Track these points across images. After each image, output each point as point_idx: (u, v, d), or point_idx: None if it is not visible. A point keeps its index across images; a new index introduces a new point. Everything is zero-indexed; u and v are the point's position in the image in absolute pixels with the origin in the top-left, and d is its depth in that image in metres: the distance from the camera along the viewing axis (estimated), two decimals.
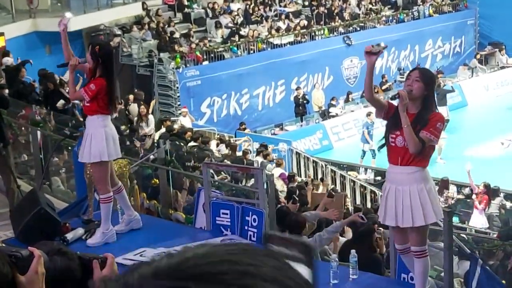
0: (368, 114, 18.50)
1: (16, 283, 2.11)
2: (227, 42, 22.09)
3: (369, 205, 13.86)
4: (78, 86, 7.67)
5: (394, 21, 26.20)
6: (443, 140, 16.97)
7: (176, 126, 17.09)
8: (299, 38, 23.31)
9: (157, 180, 9.65)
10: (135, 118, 17.10)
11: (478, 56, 26.92)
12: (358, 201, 14.80)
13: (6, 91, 12.91)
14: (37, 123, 11.99)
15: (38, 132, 10.93)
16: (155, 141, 14.71)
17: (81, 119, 13.38)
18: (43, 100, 14.50)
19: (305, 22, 23.90)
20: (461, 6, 28.26)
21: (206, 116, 20.97)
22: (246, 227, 6.94)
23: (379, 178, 16.22)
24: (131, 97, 18.12)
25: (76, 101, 13.12)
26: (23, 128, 12.18)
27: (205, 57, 21.12)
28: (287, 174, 14.78)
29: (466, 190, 14.84)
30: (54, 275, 2.33)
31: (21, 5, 19.77)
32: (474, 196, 13.67)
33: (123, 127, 15.20)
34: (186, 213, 9.12)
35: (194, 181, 10.46)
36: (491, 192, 13.61)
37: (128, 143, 13.98)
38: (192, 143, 15.63)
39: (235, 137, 18.52)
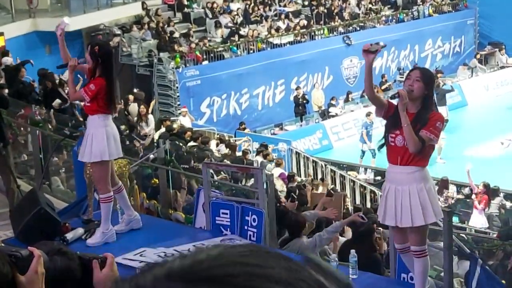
0: (368, 114, 18.51)
1: (16, 283, 2.11)
2: (226, 42, 22.10)
3: (368, 205, 13.86)
4: (78, 87, 7.68)
5: (394, 21, 26.19)
6: (442, 140, 16.98)
7: (175, 126, 17.09)
8: (298, 38, 23.31)
9: (157, 180, 9.65)
10: (135, 118, 17.10)
11: (478, 56, 26.91)
12: (358, 201, 14.80)
13: (6, 91, 12.91)
14: (37, 123, 11.99)
15: (38, 132, 10.93)
16: (155, 141, 14.71)
17: (81, 119, 13.39)
18: (42, 100, 14.51)
19: (305, 22, 23.90)
20: (460, 5, 28.25)
21: (206, 116, 20.97)
22: (245, 227, 6.94)
23: (379, 178, 16.23)
24: (131, 97, 18.12)
25: (76, 101, 13.12)
26: (22, 128, 12.19)
27: (204, 57, 21.12)
28: (286, 174, 14.78)
29: (466, 190, 14.84)
30: (54, 275, 2.33)
31: (21, 4, 19.77)
32: (473, 196, 13.68)
33: (123, 127, 15.19)
34: (185, 213, 9.13)
35: (192, 181, 10.45)
36: (490, 192, 13.62)
37: (127, 142, 13.98)
38: (191, 143, 15.63)
39: (235, 137, 18.52)
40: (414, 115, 5.30)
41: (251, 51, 22.12)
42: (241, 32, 22.51)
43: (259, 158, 15.70)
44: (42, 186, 9.51)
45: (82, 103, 9.13)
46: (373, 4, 26.78)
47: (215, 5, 23.45)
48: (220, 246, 0.93)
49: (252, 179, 11.68)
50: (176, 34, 21.49)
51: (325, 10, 24.98)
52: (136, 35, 21.17)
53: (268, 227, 6.82)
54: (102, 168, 6.56)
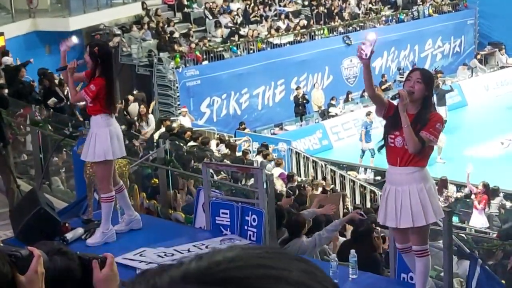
0: (368, 114, 18.51)
1: (16, 283, 2.11)
2: (226, 42, 22.10)
3: (368, 204, 13.87)
4: (79, 88, 7.69)
5: (394, 21, 26.20)
6: (443, 140, 16.98)
7: (175, 126, 17.09)
8: (298, 38, 23.32)
9: (157, 180, 9.65)
10: (135, 118, 17.10)
11: (478, 56, 26.91)
12: (357, 201, 14.81)
13: (6, 91, 12.91)
14: (37, 123, 11.98)
15: (38, 132, 10.93)
16: (155, 140, 14.70)
17: (81, 119, 13.39)
18: (42, 100, 14.51)
19: (305, 22, 23.91)
20: (460, 6, 28.26)
21: (206, 115, 20.98)
22: (245, 227, 6.93)
23: (378, 178, 16.24)
24: (131, 97, 18.12)
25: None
26: (21, 127, 12.19)
27: (204, 56, 21.12)
28: (286, 174, 14.78)
29: (466, 190, 14.85)
30: (54, 275, 2.33)
31: (20, 4, 19.77)
32: (473, 196, 13.68)
33: (122, 127, 15.18)
34: (185, 213, 9.12)
35: (189, 183, 10.42)
36: (490, 192, 13.62)
37: (127, 142, 13.97)
38: (191, 143, 15.63)
39: (235, 137, 18.52)
40: (414, 116, 5.30)
41: (251, 51, 22.13)
42: (241, 32, 22.51)
43: (259, 158, 15.71)
44: (42, 186, 9.51)
45: (83, 103, 9.15)
46: (373, 4, 26.78)
47: (215, 5, 23.46)
48: (236, 248, 0.93)
49: (252, 179, 11.68)
50: (176, 34, 21.50)
51: (325, 10, 24.98)
52: (136, 35, 21.17)
53: (268, 227, 6.82)
54: (106, 167, 6.56)
